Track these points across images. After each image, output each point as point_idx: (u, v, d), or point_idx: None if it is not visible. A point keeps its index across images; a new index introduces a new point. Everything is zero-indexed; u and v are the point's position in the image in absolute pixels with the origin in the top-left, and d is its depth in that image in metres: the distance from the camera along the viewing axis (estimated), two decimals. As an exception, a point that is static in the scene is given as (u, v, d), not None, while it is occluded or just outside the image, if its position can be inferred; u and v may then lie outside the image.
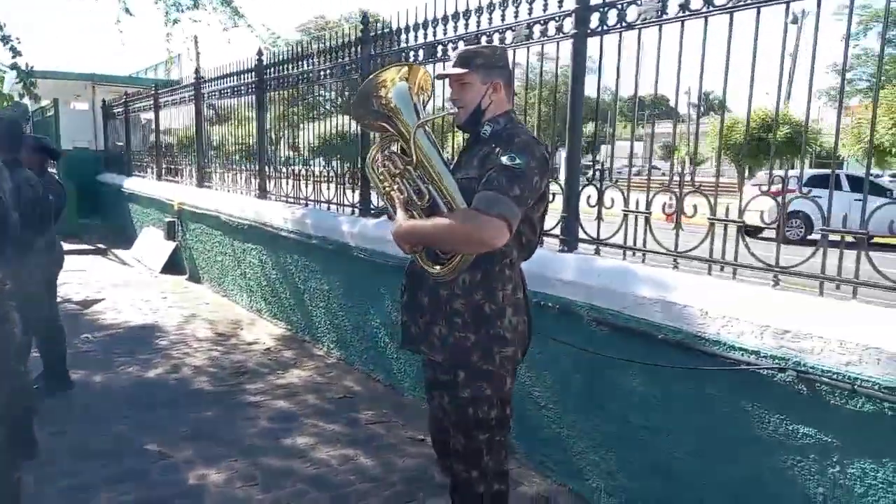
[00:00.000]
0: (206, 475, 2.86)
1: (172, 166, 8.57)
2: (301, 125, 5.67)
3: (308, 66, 5.12)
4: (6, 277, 2.26)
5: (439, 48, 3.72)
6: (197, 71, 7.51)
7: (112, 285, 6.91)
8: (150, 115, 9.26)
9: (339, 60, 4.69)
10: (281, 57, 5.55)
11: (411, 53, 3.97)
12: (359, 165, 4.55)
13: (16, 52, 6.48)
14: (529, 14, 3.11)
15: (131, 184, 9.68)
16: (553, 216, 2.68)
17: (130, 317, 5.61)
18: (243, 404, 3.72)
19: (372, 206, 4.46)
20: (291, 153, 6.05)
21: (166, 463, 2.97)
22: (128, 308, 5.91)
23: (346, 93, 5.31)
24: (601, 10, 2.80)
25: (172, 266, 7.53)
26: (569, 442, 2.81)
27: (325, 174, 5.13)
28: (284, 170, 5.79)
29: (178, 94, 8.19)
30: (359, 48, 4.45)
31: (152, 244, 8.23)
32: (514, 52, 3.21)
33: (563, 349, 2.75)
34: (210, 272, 6.81)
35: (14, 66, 6.54)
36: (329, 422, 3.49)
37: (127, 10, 8.20)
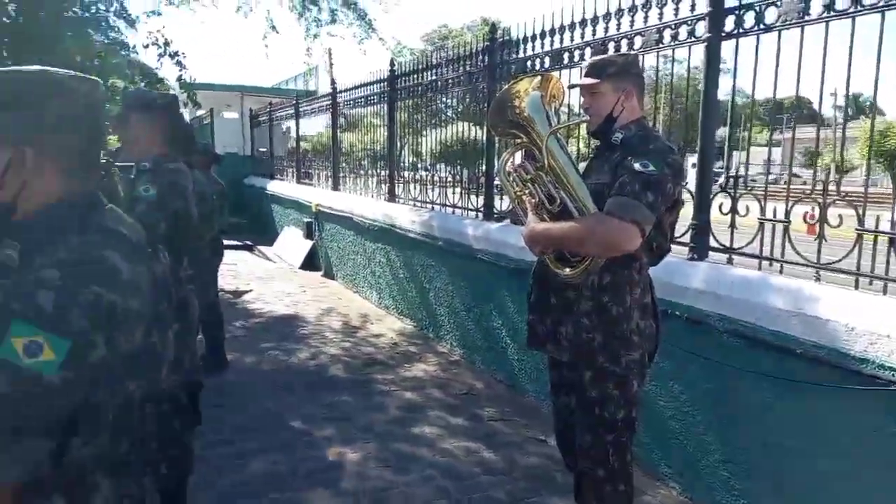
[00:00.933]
0: (344, 453, 3.14)
1: (309, 170, 9.28)
2: (428, 132, 5.94)
3: (436, 75, 5.36)
4: (188, 265, 2.63)
5: (566, 55, 3.76)
6: (333, 81, 8.09)
7: (258, 278, 7.62)
8: (291, 122, 10.08)
9: (467, 69, 4.87)
10: (411, 67, 5.84)
11: (537, 61, 4.04)
12: (483, 171, 4.71)
13: (182, 66, 7.34)
14: (660, 19, 3.08)
15: (274, 186, 10.58)
16: (681, 223, 2.65)
17: (275, 307, 6.18)
18: (374, 392, 4.00)
19: (495, 211, 4.60)
20: (417, 159, 6.36)
21: (310, 439, 3.29)
22: (272, 299, 6.52)
23: (469, 100, 5.50)
24: (737, 12, 2.73)
25: (310, 263, 8.17)
26: (695, 455, 2.76)
27: (450, 179, 5.34)
28: (412, 174, 6.09)
29: (316, 103, 8.87)
30: (485, 57, 4.60)
31: (292, 242, 8.97)
32: (644, 57, 3.19)
33: (692, 359, 2.71)
34: (343, 269, 7.30)
35: (179, 79, 7.42)
36: (453, 415, 3.67)
37: (273, 28, 9.01)
